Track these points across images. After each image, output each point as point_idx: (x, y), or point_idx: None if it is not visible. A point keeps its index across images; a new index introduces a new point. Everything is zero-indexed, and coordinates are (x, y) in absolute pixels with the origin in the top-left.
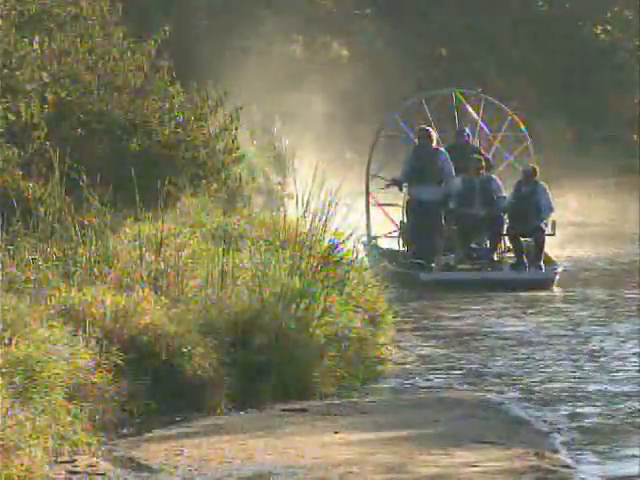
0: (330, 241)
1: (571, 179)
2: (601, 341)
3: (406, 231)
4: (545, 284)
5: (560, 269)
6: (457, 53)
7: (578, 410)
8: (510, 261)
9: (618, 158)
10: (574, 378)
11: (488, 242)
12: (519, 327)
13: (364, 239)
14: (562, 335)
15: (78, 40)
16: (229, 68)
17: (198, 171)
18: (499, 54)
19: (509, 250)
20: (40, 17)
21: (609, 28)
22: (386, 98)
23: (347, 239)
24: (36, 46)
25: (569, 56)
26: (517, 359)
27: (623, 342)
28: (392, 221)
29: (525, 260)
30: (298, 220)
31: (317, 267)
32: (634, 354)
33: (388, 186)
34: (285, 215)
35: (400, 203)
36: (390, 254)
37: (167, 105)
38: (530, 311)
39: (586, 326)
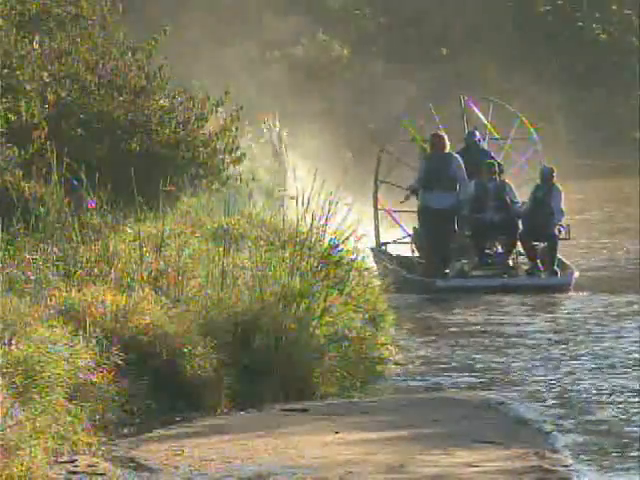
0: (331, 240)
1: (570, 179)
2: (606, 343)
3: (419, 238)
4: (561, 289)
5: (576, 274)
6: (457, 53)
7: (579, 411)
8: (525, 267)
9: (619, 158)
10: (576, 379)
11: (502, 247)
12: (521, 327)
13: (372, 245)
14: (565, 336)
15: (78, 40)
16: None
17: (198, 171)
18: (499, 54)
19: (521, 255)
20: (40, 17)
21: (611, 29)
22: (387, 99)
23: (347, 239)
24: (36, 46)
25: (570, 56)
26: (518, 359)
27: (629, 345)
28: (402, 227)
29: (540, 265)
30: (298, 220)
31: (317, 267)
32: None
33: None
34: (285, 215)
35: (408, 209)
36: (401, 261)
37: (167, 105)
38: (534, 312)
39: (592, 327)
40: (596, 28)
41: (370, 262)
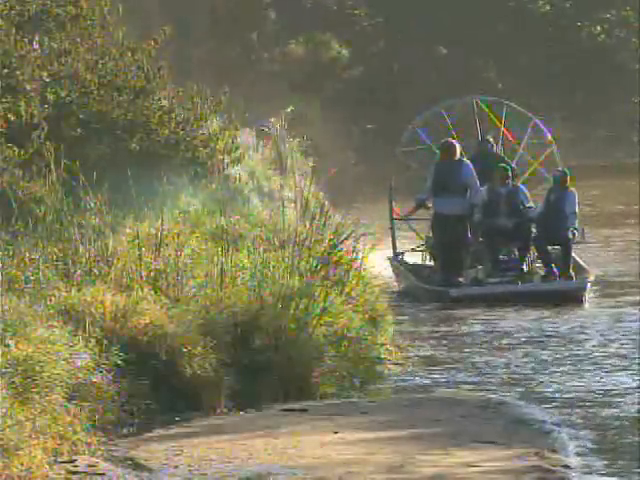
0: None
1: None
2: (608, 344)
3: (432, 246)
4: (577, 294)
5: (592, 278)
6: (456, 54)
7: (579, 411)
8: (540, 271)
9: (618, 158)
10: (576, 379)
11: (517, 253)
12: (522, 327)
13: (390, 255)
14: (567, 338)
15: (78, 40)
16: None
17: (198, 171)
18: (499, 55)
19: (537, 259)
20: (40, 17)
21: (612, 29)
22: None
23: (346, 239)
24: (36, 46)
25: (569, 56)
26: (518, 359)
27: (631, 346)
28: (418, 235)
29: (555, 270)
30: (298, 220)
31: (317, 267)
32: None
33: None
34: (284, 215)
35: (420, 216)
36: (418, 270)
37: (167, 105)
38: (535, 313)
39: (593, 328)
40: (595, 28)
41: (388, 271)
